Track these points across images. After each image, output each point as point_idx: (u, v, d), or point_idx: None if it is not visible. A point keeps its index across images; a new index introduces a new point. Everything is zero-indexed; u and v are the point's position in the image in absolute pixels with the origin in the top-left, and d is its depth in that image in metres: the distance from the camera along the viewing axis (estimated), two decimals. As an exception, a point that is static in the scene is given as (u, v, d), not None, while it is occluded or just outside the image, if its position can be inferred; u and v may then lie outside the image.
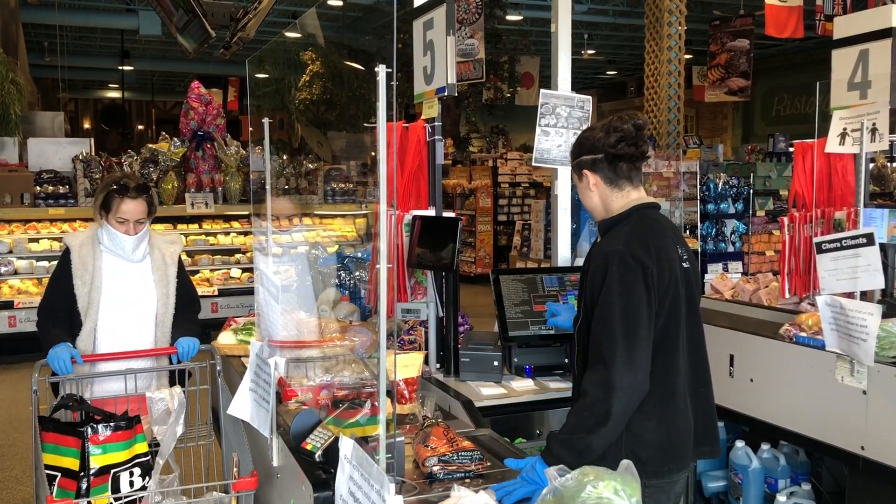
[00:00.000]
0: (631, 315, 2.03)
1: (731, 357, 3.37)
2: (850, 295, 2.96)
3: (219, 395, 2.76)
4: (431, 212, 3.15)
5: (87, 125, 27.11)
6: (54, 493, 2.27)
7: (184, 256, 8.28)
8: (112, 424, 2.38)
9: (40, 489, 2.28)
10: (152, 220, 3.20)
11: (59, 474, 2.32)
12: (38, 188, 7.90)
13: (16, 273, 7.66)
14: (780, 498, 3.12)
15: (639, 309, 2.04)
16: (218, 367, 2.82)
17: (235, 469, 2.23)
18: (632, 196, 2.26)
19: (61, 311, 3.03)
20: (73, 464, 2.34)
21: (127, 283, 3.12)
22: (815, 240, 3.22)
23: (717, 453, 2.34)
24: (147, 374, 3.01)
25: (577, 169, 2.31)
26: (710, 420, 2.31)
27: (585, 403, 2.03)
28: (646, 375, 2.04)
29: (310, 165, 9.44)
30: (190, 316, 3.26)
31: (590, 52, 18.81)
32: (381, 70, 1.36)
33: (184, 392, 2.64)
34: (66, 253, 3.12)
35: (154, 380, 3.08)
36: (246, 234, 8.71)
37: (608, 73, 23.83)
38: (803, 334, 3.12)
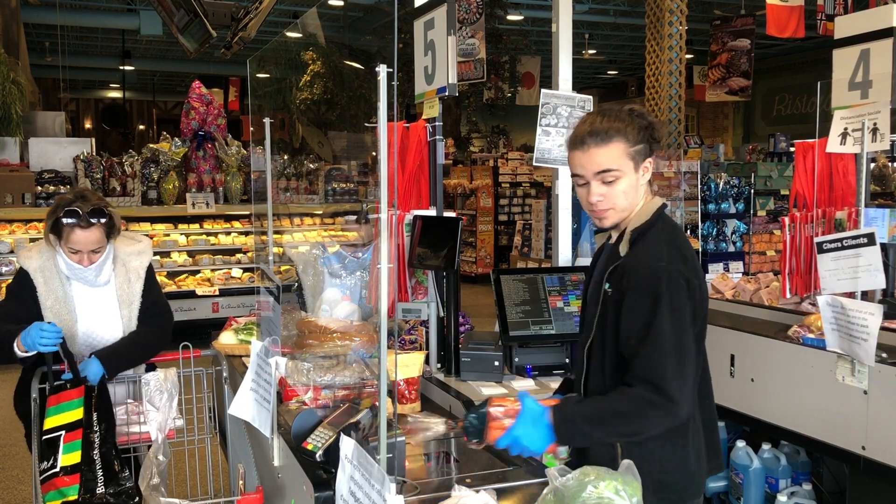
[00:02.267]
0: (683, 343, 1.85)
1: (732, 357, 3.37)
2: (850, 295, 2.96)
3: (225, 403, 2.72)
4: (432, 212, 3.15)
5: (88, 125, 27.12)
6: (61, 450, 2.29)
7: (180, 258, 8.35)
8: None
9: (39, 495, 2.29)
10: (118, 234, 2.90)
11: (63, 431, 2.35)
12: (40, 188, 7.90)
13: (17, 273, 7.64)
14: (781, 498, 3.12)
15: (688, 335, 1.87)
16: (224, 374, 2.79)
17: (241, 482, 2.23)
18: (648, 196, 2.02)
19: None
20: (76, 414, 2.40)
21: (93, 308, 2.89)
22: (815, 240, 3.22)
23: (722, 467, 2.20)
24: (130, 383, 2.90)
25: (641, 155, 1.95)
26: (716, 432, 2.17)
27: (620, 410, 1.83)
28: (691, 407, 1.88)
29: (311, 165, 9.45)
30: (143, 331, 2.93)
31: (591, 51, 18.81)
32: (382, 70, 1.36)
33: (179, 374, 2.65)
34: (25, 276, 2.82)
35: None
36: (247, 234, 8.72)
37: (609, 72, 23.82)
38: (811, 336, 3.12)
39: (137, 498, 2.24)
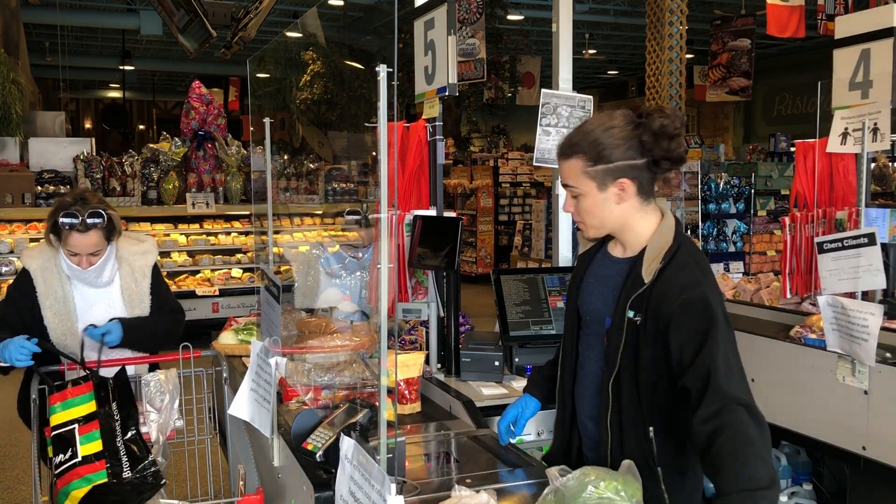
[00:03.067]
0: (740, 362, 1.81)
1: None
2: (851, 295, 2.95)
3: (225, 404, 2.71)
4: (432, 212, 3.15)
5: (88, 125, 27.13)
6: (78, 441, 2.32)
7: (180, 258, 8.35)
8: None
9: (38, 495, 2.29)
10: (120, 235, 2.89)
11: (77, 424, 2.38)
12: (40, 188, 7.90)
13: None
14: (782, 498, 3.11)
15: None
16: (224, 375, 2.78)
17: (242, 483, 2.23)
18: (656, 215, 1.90)
19: (13, 331, 2.72)
20: (89, 408, 2.42)
21: (96, 308, 2.88)
22: (816, 240, 3.22)
23: None
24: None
25: (608, 175, 1.83)
26: None
27: (751, 451, 1.61)
28: None
29: (311, 165, 9.45)
30: (159, 319, 2.95)
31: (591, 51, 18.81)
32: (382, 70, 1.36)
33: (179, 374, 2.65)
34: (26, 275, 2.84)
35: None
36: (247, 233, 8.72)
37: (609, 72, 23.82)
38: (813, 336, 3.12)
39: (164, 480, 2.25)
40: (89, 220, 2.72)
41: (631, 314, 1.83)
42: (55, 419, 2.40)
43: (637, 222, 1.88)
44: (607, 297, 1.93)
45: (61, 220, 2.72)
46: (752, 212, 8.84)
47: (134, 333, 2.83)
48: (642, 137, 1.80)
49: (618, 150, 1.80)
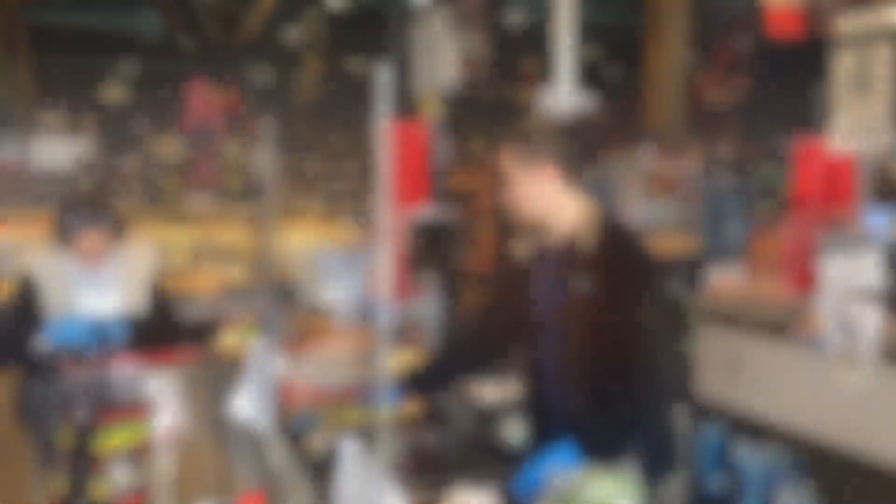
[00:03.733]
0: (655, 340, 1.93)
1: (732, 357, 3.37)
2: (851, 295, 2.95)
3: (225, 404, 2.71)
4: (433, 212, 3.15)
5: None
6: None
7: (180, 258, 8.36)
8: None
9: (38, 496, 2.30)
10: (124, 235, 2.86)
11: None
12: (40, 188, 7.89)
13: (17, 273, 7.63)
14: (781, 498, 3.11)
15: (660, 331, 1.96)
16: (225, 375, 2.78)
17: (241, 483, 2.23)
18: (581, 198, 2.00)
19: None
20: None
21: (97, 311, 2.84)
22: (816, 240, 3.22)
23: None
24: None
25: (534, 158, 1.96)
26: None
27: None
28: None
29: (311, 165, 9.45)
30: (164, 320, 2.97)
31: (591, 51, 18.81)
32: (383, 70, 1.36)
33: (180, 375, 2.64)
34: (28, 277, 2.82)
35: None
36: (247, 234, 8.72)
37: (609, 72, 23.82)
38: (812, 336, 3.12)
39: None
40: (97, 219, 2.73)
41: (578, 288, 1.92)
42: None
43: (565, 205, 1.98)
44: (553, 283, 2.01)
45: (68, 218, 2.72)
46: (751, 212, 8.85)
47: (149, 335, 2.81)
48: (567, 126, 2.01)
49: (543, 136, 1.97)
